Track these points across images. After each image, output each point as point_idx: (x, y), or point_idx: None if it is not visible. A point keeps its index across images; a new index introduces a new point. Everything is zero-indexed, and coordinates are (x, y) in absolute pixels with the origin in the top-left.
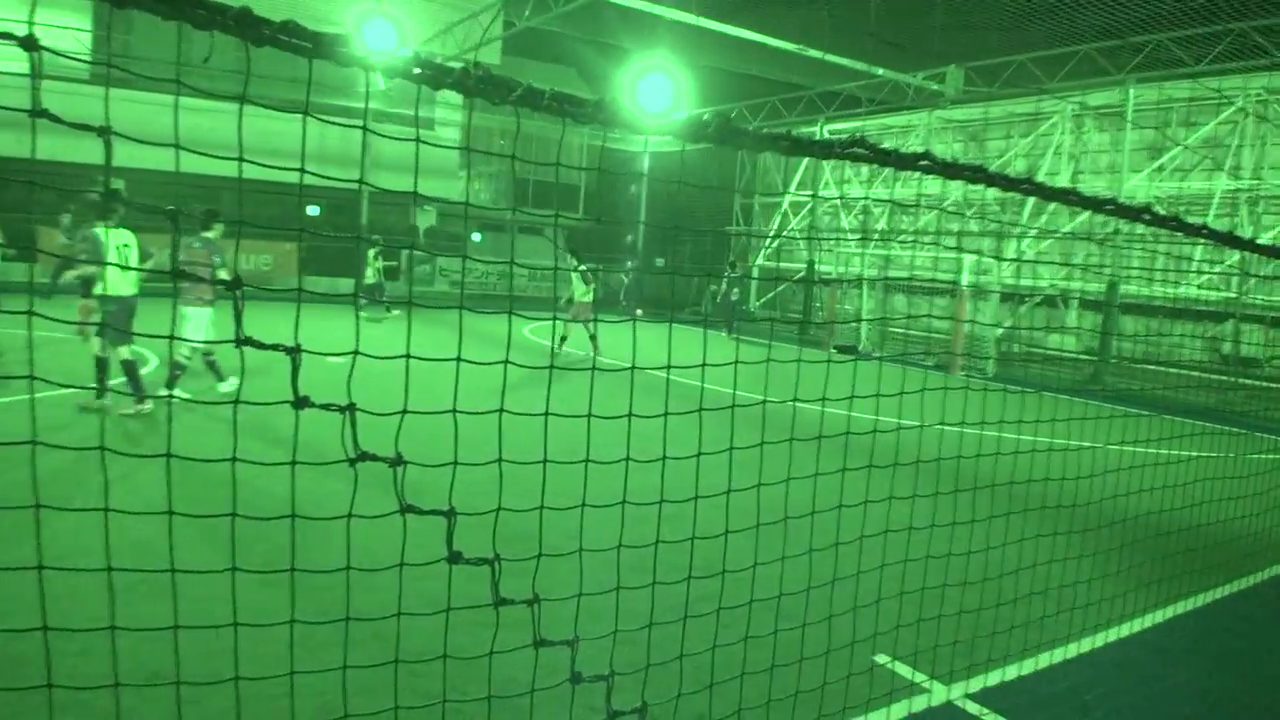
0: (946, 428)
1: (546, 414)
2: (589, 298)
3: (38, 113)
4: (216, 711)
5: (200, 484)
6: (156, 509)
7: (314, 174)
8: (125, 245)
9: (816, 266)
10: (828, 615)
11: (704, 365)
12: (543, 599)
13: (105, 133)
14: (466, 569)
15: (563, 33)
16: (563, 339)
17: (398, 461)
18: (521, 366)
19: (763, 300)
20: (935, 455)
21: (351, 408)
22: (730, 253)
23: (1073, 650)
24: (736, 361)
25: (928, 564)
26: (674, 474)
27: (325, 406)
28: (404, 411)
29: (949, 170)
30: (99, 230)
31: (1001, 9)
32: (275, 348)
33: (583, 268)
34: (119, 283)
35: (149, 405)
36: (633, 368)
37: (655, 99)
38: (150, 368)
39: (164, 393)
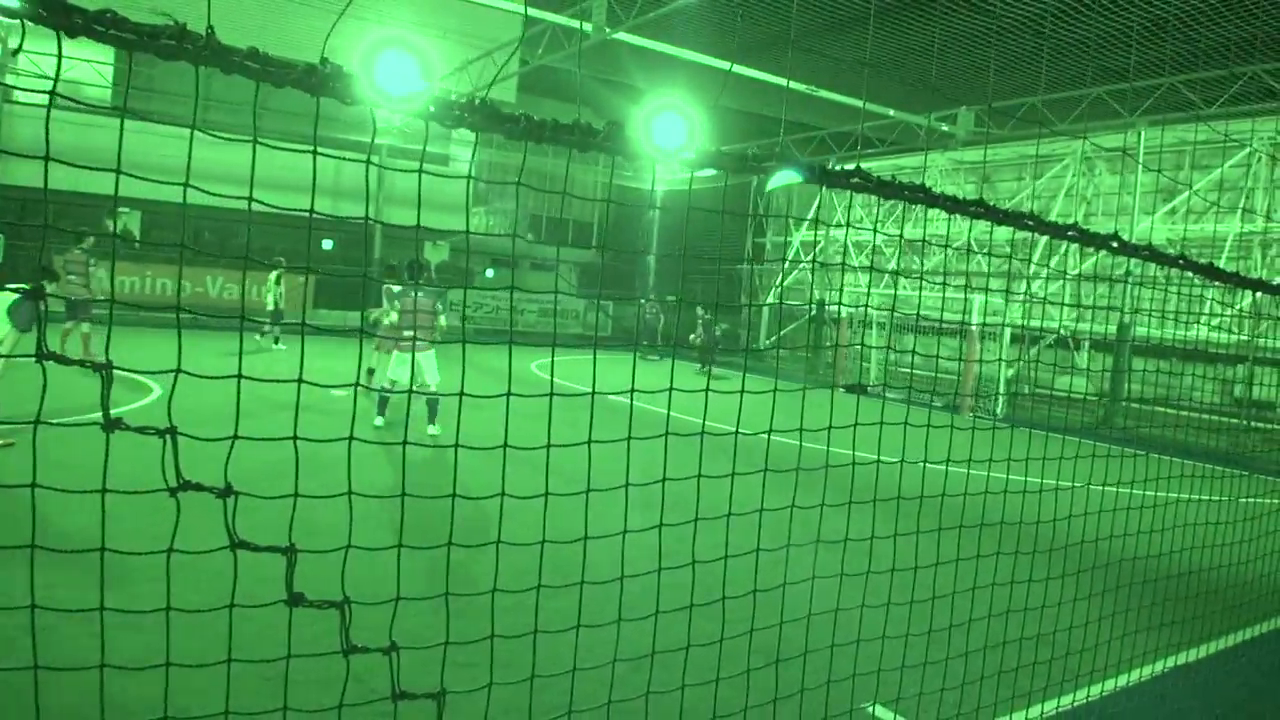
0: (935, 466)
1: (404, 443)
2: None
3: None
4: None
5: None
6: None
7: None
8: None
9: (826, 305)
10: (801, 653)
11: (668, 391)
12: (402, 647)
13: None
14: (310, 613)
15: (577, 71)
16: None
17: (226, 492)
18: (371, 388)
19: (773, 338)
20: (921, 492)
21: (172, 431)
22: (742, 291)
23: (1066, 701)
24: (706, 390)
25: (912, 606)
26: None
27: (141, 430)
28: (235, 437)
29: (946, 203)
30: None
31: (1011, 51)
32: (80, 363)
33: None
34: None
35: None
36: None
37: (668, 137)
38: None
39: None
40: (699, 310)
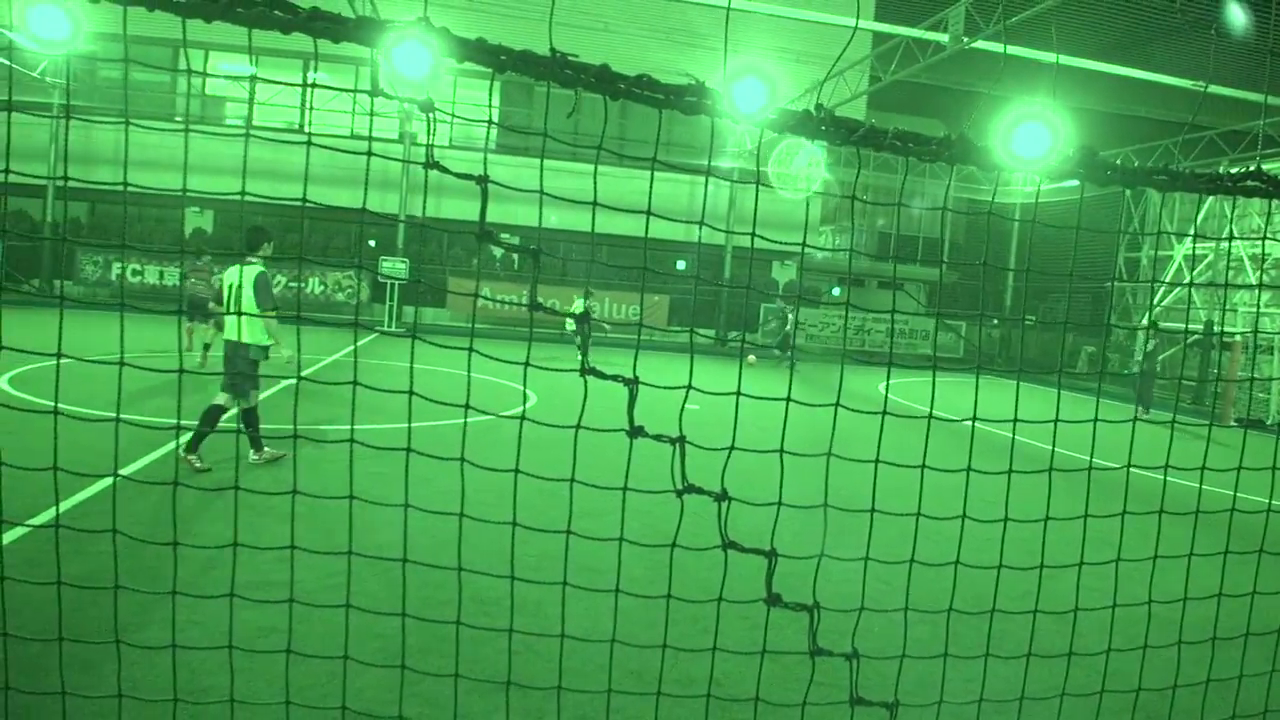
0: None
1: (877, 461)
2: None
3: (431, 164)
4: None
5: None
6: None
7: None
8: (234, 285)
9: (1215, 327)
10: None
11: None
12: (861, 655)
13: (482, 181)
14: (784, 613)
15: (930, 83)
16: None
17: (722, 497)
18: (855, 411)
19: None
20: None
21: (681, 440)
22: (1111, 310)
23: None
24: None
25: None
26: (1015, 541)
27: (657, 437)
28: (731, 448)
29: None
30: (231, 268)
31: None
32: (615, 378)
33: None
34: (228, 328)
35: (264, 456)
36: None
37: (1030, 147)
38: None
39: None
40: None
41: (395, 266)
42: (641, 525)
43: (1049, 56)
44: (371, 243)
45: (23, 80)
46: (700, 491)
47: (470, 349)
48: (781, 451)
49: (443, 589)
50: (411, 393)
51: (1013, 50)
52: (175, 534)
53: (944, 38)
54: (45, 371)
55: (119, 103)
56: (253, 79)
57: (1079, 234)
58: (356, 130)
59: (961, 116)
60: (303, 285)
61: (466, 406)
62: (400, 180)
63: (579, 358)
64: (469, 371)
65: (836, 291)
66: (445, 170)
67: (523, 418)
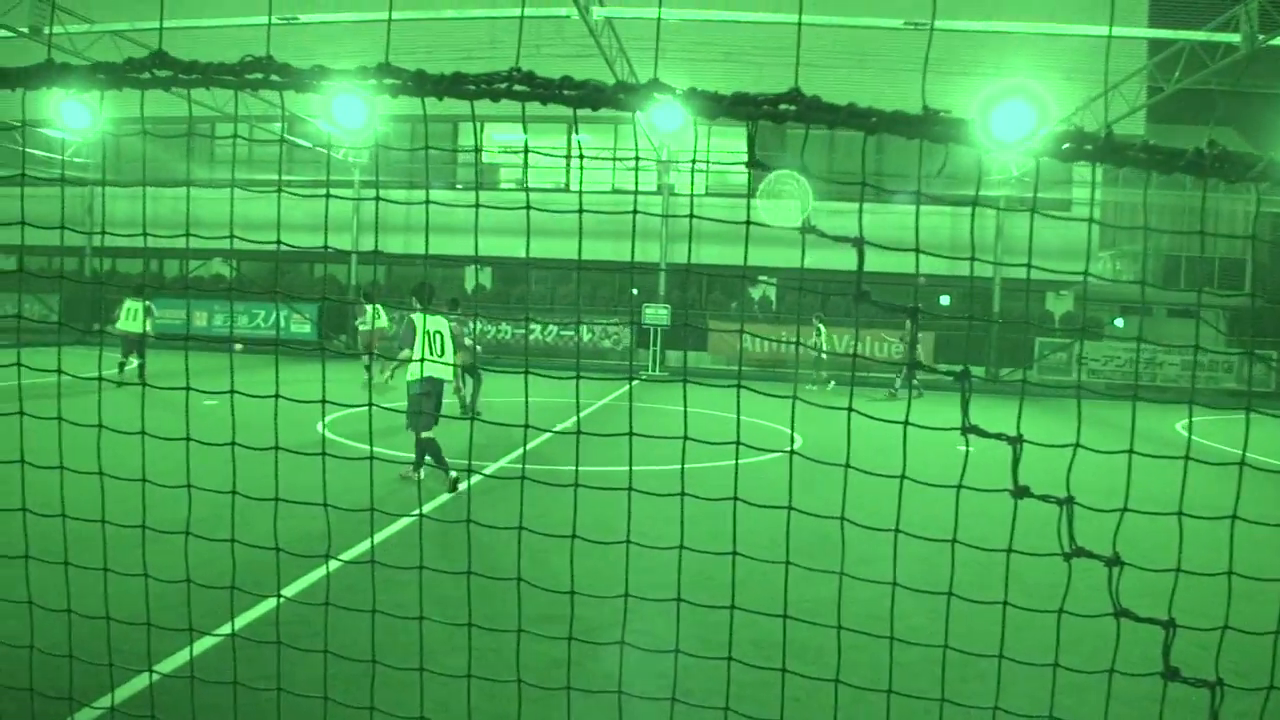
0: None
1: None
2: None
3: (808, 229)
4: None
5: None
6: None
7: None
8: (437, 331)
9: None
10: None
11: None
12: None
13: (859, 243)
14: (1180, 687)
15: (1219, 89)
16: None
17: (1114, 561)
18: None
19: None
20: None
21: (1069, 500)
22: None
23: None
24: None
25: None
26: None
27: (1043, 498)
28: (1124, 509)
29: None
30: (415, 315)
31: None
32: (999, 436)
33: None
34: (423, 366)
35: (453, 474)
36: None
37: None
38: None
39: None
40: None
41: (657, 314)
42: (918, 570)
43: None
44: (634, 290)
45: (331, 164)
46: (1090, 555)
47: (739, 385)
48: (1180, 514)
49: (719, 629)
50: (686, 438)
51: None
52: (523, 566)
53: (1235, 38)
54: (352, 418)
55: (404, 175)
56: (580, 166)
57: None
58: (617, 185)
59: (1259, 122)
60: (576, 334)
61: (738, 442)
62: (661, 229)
63: (961, 417)
64: (737, 413)
65: (1120, 323)
66: (821, 234)
67: (842, 464)
